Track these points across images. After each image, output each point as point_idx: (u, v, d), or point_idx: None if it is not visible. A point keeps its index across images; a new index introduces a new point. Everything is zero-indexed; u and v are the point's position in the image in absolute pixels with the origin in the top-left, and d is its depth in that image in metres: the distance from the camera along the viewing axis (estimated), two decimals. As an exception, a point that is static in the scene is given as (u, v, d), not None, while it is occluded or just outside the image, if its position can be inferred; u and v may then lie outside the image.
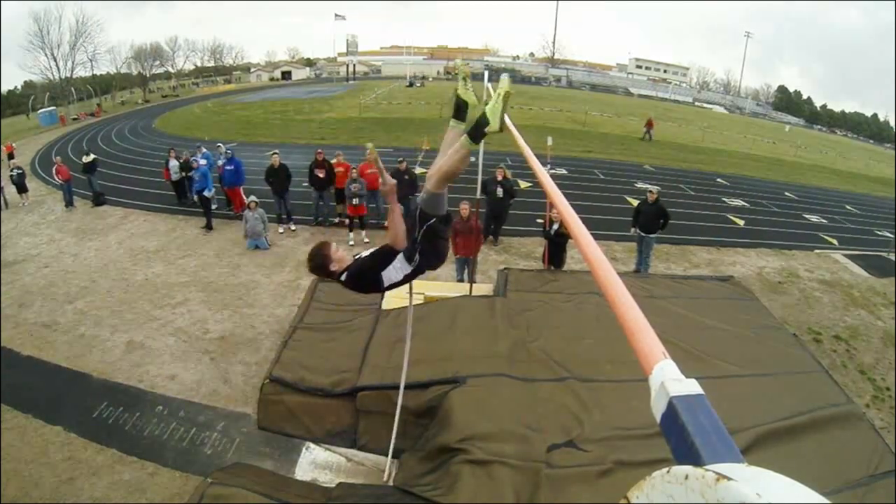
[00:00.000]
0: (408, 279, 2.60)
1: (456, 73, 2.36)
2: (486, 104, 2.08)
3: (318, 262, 2.54)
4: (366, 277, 2.55)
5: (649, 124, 25.95)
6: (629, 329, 0.77)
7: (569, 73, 71.47)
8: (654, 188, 9.58)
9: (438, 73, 70.02)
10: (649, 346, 0.70)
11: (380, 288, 2.61)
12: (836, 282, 9.55)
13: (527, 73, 71.98)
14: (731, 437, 0.56)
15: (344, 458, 4.06)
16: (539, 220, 9.30)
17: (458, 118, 2.42)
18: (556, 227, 7.33)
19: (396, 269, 2.53)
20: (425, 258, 2.55)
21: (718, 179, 18.57)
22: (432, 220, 2.43)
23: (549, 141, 8.58)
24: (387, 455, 3.45)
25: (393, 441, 3.25)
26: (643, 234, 8.61)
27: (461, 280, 7.54)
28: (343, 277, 2.54)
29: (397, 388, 3.39)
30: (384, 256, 2.52)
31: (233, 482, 2.81)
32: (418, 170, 12.25)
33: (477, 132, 2.11)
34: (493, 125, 2.07)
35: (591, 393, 3.37)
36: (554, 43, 72.55)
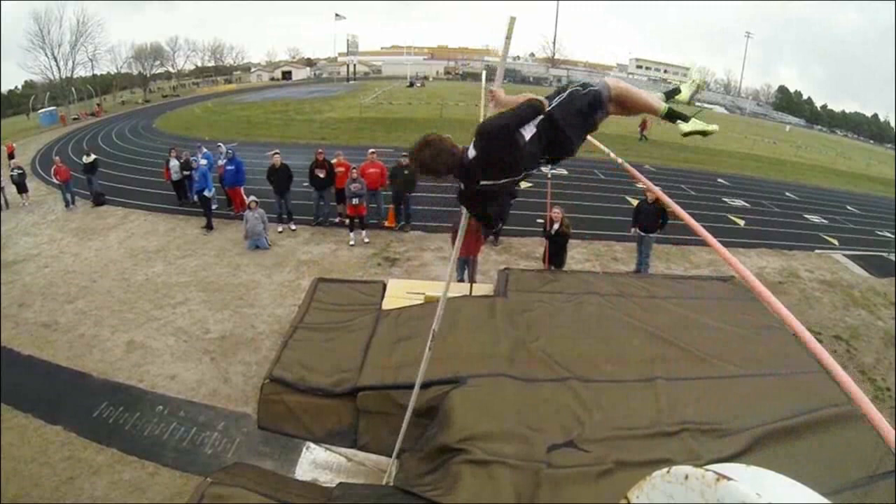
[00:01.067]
0: (535, 143, 2.01)
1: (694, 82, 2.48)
2: (700, 117, 2.27)
3: (438, 147, 2.00)
4: (504, 136, 1.94)
5: (643, 125, 25.87)
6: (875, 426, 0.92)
7: (569, 73, 71.45)
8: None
9: (438, 72, 70.06)
10: None
11: (513, 156, 1.99)
12: (836, 282, 9.55)
13: (527, 73, 72.01)
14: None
15: (344, 458, 4.06)
16: (539, 221, 9.30)
17: (667, 97, 2.51)
18: (556, 226, 7.34)
19: (528, 127, 2.02)
20: (567, 123, 2.02)
21: (719, 179, 18.57)
22: (599, 96, 2.08)
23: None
24: (387, 455, 3.45)
25: (400, 441, 3.25)
26: (643, 233, 8.62)
27: (461, 280, 7.54)
28: (471, 150, 1.99)
29: (398, 387, 3.39)
30: (526, 109, 1.98)
31: (233, 482, 2.81)
32: (419, 169, 12.20)
33: (675, 116, 2.25)
34: (685, 128, 2.25)
35: (591, 393, 3.36)
36: (554, 43, 72.62)
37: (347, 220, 9.97)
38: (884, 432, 0.89)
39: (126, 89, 53.90)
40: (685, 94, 2.46)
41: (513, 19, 2.10)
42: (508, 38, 2.13)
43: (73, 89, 42.42)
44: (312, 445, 4.20)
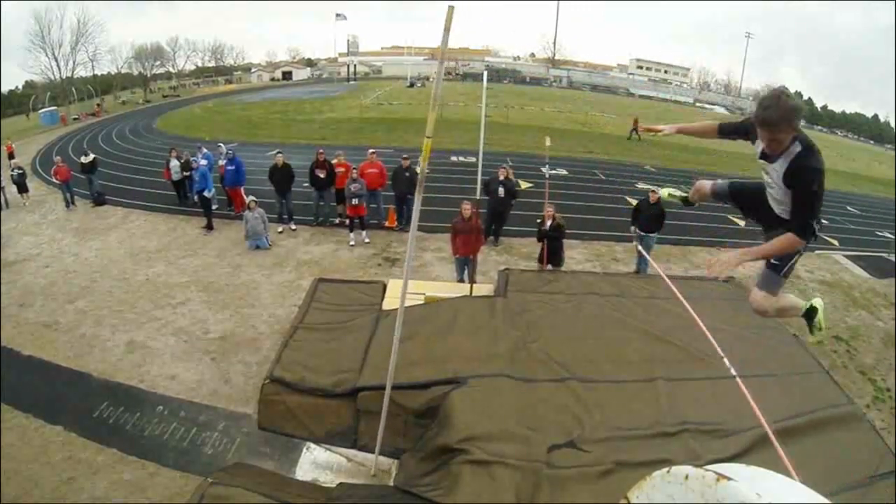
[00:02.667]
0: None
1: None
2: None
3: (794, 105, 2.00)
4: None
5: (636, 124, 25.82)
6: None
7: (569, 73, 71.42)
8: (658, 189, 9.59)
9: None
10: None
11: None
12: (836, 283, 9.55)
13: (527, 73, 72.01)
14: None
15: (344, 459, 4.06)
16: (539, 221, 9.32)
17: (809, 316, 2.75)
18: (549, 223, 7.38)
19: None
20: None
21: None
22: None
23: (548, 141, 8.72)
24: (388, 456, 3.46)
25: (380, 439, 3.26)
26: (642, 233, 8.63)
27: (461, 280, 7.55)
28: (798, 147, 2.09)
29: (398, 387, 3.39)
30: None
31: (233, 482, 2.81)
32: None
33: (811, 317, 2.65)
34: (820, 330, 2.64)
35: (591, 393, 3.37)
36: (554, 43, 72.52)
37: (347, 221, 9.97)
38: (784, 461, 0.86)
39: (126, 89, 53.85)
40: (819, 330, 2.71)
41: (451, 8, 2.06)
42: (447, 29, 2.08)
43: (73, 89, 42.36)
44: (312, 445, 4.20)
